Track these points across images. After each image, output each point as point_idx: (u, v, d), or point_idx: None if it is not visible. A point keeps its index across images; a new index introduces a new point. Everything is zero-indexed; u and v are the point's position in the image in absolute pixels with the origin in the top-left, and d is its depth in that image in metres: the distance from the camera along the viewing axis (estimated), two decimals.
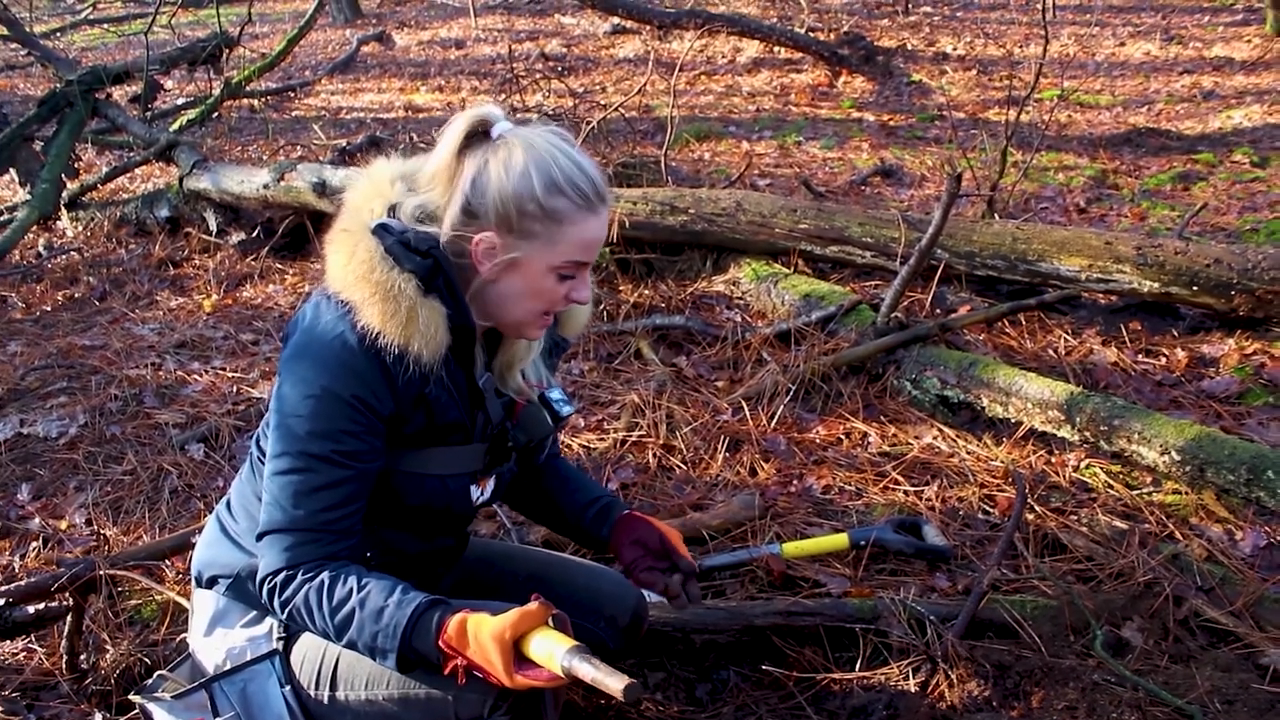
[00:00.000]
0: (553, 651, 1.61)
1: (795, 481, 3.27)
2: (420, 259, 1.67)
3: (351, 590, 1.69)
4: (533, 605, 1.63)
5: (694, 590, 1.99)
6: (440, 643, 1.64)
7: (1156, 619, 2.55)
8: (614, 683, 1.55)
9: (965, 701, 2.39)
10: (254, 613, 1.90)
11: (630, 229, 4.57)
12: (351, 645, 1.70)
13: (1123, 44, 11.22)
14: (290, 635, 1.87)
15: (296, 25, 11.26)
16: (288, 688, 1.85)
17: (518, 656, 1.62)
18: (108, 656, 2.47)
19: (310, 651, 1.84)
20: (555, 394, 1.98)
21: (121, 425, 3.87)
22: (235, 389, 4.15)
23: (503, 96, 8.68)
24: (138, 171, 7.49)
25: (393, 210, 1.73)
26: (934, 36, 11.81)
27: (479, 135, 1.70)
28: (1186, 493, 3.10)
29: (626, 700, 1.54)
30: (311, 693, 1.83)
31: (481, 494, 1.92)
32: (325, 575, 1.70)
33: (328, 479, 1.70)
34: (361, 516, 1.76)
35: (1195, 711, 2.33)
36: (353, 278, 1.68)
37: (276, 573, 1.72)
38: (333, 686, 1.82)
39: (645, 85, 7.30)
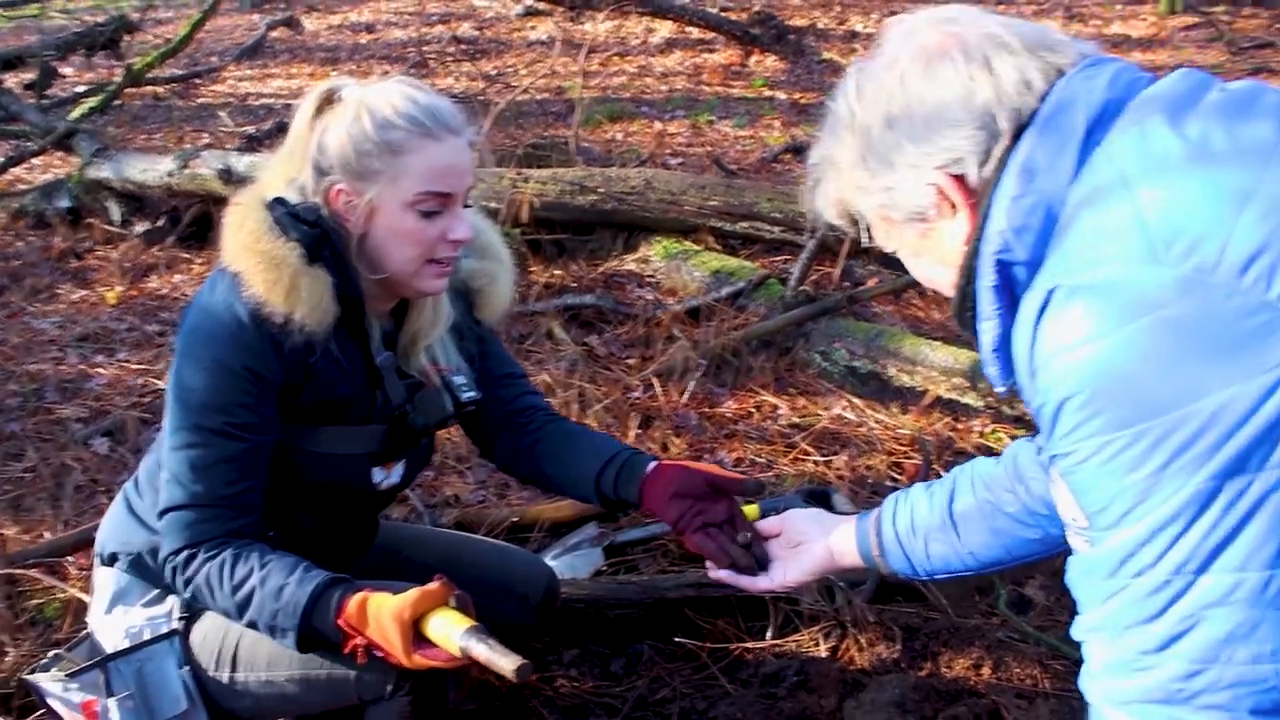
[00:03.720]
0: (449, 632, 1.60)
1: (707, 455, 3.29)
2: (307, 228, 1.67)
3: (253, 569, 1.68)
4: (434, 585, 1.62)
5: (762, 552, 1.88)
6: (340, 622, 1.63)
7: (1058, 577, 2.61)
8: (506, 663, 1.55)
9: (874, 664, 2.43)
10: (155, 591, 1.88)
11: (540, 210, 4.56)
12: (253, 624, 1.69)
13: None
14: (191, 615, 1.85)
15: (201, 9, 11.03)
16: (186, 668, 1.82)
17: (417, 637, 1.61)
18: (8, 659, 2.41)
19: (211, 632, 1.83)
20: (460, 379, 1.93)
21: (21, 422, 3.78)
22: (142, 381, 4.07)
23: None
24: (35, 161, 7.28)
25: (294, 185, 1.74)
26: (844, 15, 11.90)
27: (328, 103, 1.71)
28: None
29: (518, 680, 1.55)
30: (211, 673, 1.82)
31: (387, 476, 1.90)
32: (227, 553, 1.69)
33: (224, 453, 1.69)
34: (262, 492, 1.75)
35: None
36: (240, 248, 1.68)
37: (178, 551, 1.71)
38: (233, 667, 1.80)
39: (555, 67, 7.27)
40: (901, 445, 3.33)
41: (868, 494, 3.06)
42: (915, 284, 4.29)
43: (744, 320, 4.03)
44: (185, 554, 1.70)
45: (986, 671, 2.40)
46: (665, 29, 11.17)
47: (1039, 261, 1.18)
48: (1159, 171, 1.10)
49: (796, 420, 3.52)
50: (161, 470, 1.75)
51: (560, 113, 7.66)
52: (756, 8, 11.19)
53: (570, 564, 2.67)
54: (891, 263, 4.50)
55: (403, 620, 1.59)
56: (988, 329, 1.25)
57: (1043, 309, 1.12)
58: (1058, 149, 1.18)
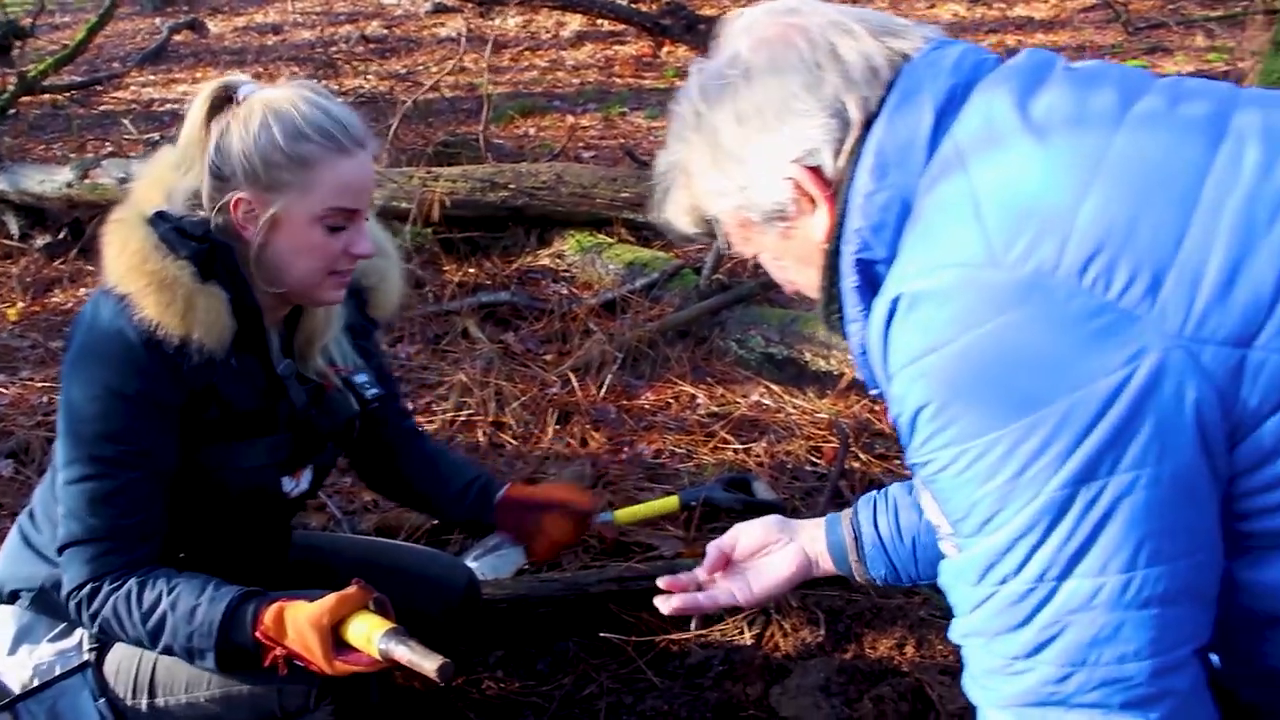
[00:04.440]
0: (370, 635, 1.58)
1: (626, 448, 3.29)
2: (195, 245, 1.61)
3: (161, 594, 1.63)
4: (351, 589, 1.60)
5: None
6: (258, 634, 1.60)
7: None
8: (428, 663, 1.53)
9: (799, 649, 2.44)
10: (62, 625, 1.81)
11: (451, 208, 4.52)
12: (168, 650, 1.65)
13: (933, 5, 11.53)
14: (103, 644, 1.78)
15: (98, 13, 10.77)
16: (102, 700, 1.76)
17: (338, 642, 1.59)
18: None
19: (125, 660, 1.76)
20: (361, 377, 1.92)
21: None
22: (46, 400, 3.95)
23: (321, 83, 8.46)
24: None
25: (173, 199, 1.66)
26: (754, 4, 11.95)
27: (223, 102, 1.65)
28: None
29: (441, 680, 1.52)
30: (129, 702, 1.75)
31: (296, 485, 1.87)
32: (133, 582, 1.64)
33: (122, 482, 1.63)
34: (163, 517, 1.69)
35: None
36: (126, 269, 1.60)
37: (80, 586, 1.65)
38: (151, 694, 1.75)
39: (461, 63, 7.21)
40: (820, 430, 3.34)
41: (787, 479, 3.08)
42: None
43: (659, 311, 4.02)
44: (89, 588, 1.64)
45: (910, 650, 2.42)
46: (576, 22, 11.13)
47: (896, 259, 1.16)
48: (1002, 173, 1.09)
49: (715, 409, 3.53)
50: (57, 505, 1.68)
51: (471, 110, 7.60)
52: None
53: (492, 564, 2.64)
54: None
55: (321, 626, 1.56)
56: (855, 331, 1.23)
57: (889, 318, 1.10)
58: (908, 140, 1.16)
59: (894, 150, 1.16)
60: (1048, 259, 1.01)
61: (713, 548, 1.72)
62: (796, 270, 1.33)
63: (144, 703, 1.75)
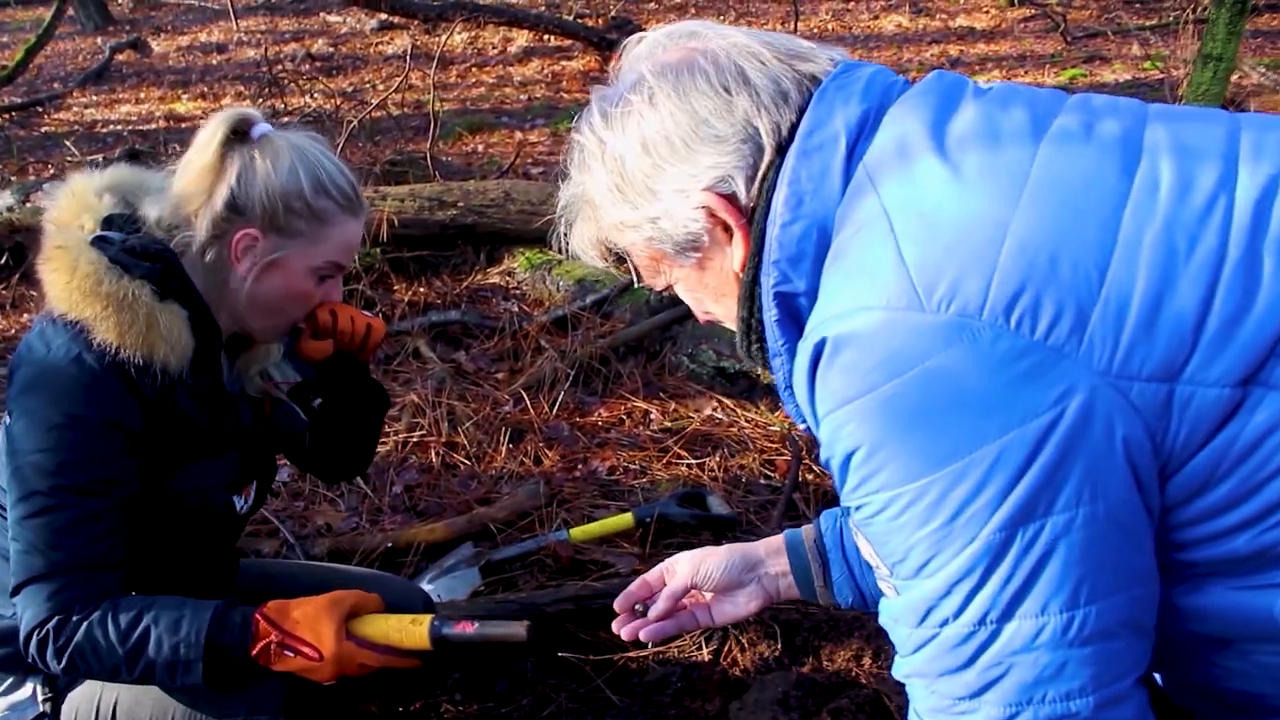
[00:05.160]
0: (406, 626, 1.59)
1: (580, 466, 3.28)
2: (150, 264, 1.60)
3: (139, 612, 1.58)
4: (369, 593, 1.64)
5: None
6: (256, 615, 1.59)
7: None
8: (514, 629, 1.58)
9: (757, 664, 2.44)
10: (11, 678, 1.76)
11: (400, 227, 4.49)
12: (147, 672, 1.59)
13: (876, 18, 11.66)
14: (57, 693, 1.74)
15: (37, 34, 10.64)
16: None
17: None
18: None
19: (83, 705, 1.72)
20: (304, 387, 1.94)
21: None
22: None
23: (263, 101, 8.39)
24: None
25: (109, 224, 1.65)
26: (698, 17, 12.02)
27: (240, 134, 1.65)
28: None
29: (529, 639, 1.56)
30: None
31: (245, 502, 1.85)
32: (106, 608, 1.58)
33: (86, 512, 1.58)
34: (124, 547, 1.64)
35: None
36: (79, 294, 1.57)
37: (44, 622, 1.57)
38: None
39: (407, 80, 7.18)
40: (773, 443, 3.35)
41: (741, 493, 3.08)
42: None
43: (610, 327, 4.02)
44: (55, 620, 1.57)
45: (868, 662, 2.43)
46: (523, 38, 11.15)
47: (818, 291, 1.13)
48: (918, 202, 1.06)
49: (668, 424, 3.53)
50: (11, 544, 1.62)
51: (418, 127, 7.58)
52: (613, 13, 11.24)
53: (447, 586, 2.63)
54: None
55: (340, 606, 1.58)
56: (779, 364, 1.20)
57: (814, 361, 1.08)
58: (822, 169, 1.13)
59: (808, 179, 1.13)
60: (972, 299, 0.99)
61: (674, 587, 1.64)
62: (713, 302, 1.30)
63: None
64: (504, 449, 3.34)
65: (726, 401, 3.63)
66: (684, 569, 1.65)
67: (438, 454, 3.31)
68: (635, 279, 1.35)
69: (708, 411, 3.57)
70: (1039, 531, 0.99)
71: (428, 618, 1.62)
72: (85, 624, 1.58)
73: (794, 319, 1.16)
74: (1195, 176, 1.03)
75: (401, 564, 2.79)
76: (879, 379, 1.01)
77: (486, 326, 4.17)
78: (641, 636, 1.63)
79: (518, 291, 4.50)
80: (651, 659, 2.47)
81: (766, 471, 3.21)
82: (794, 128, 1.16)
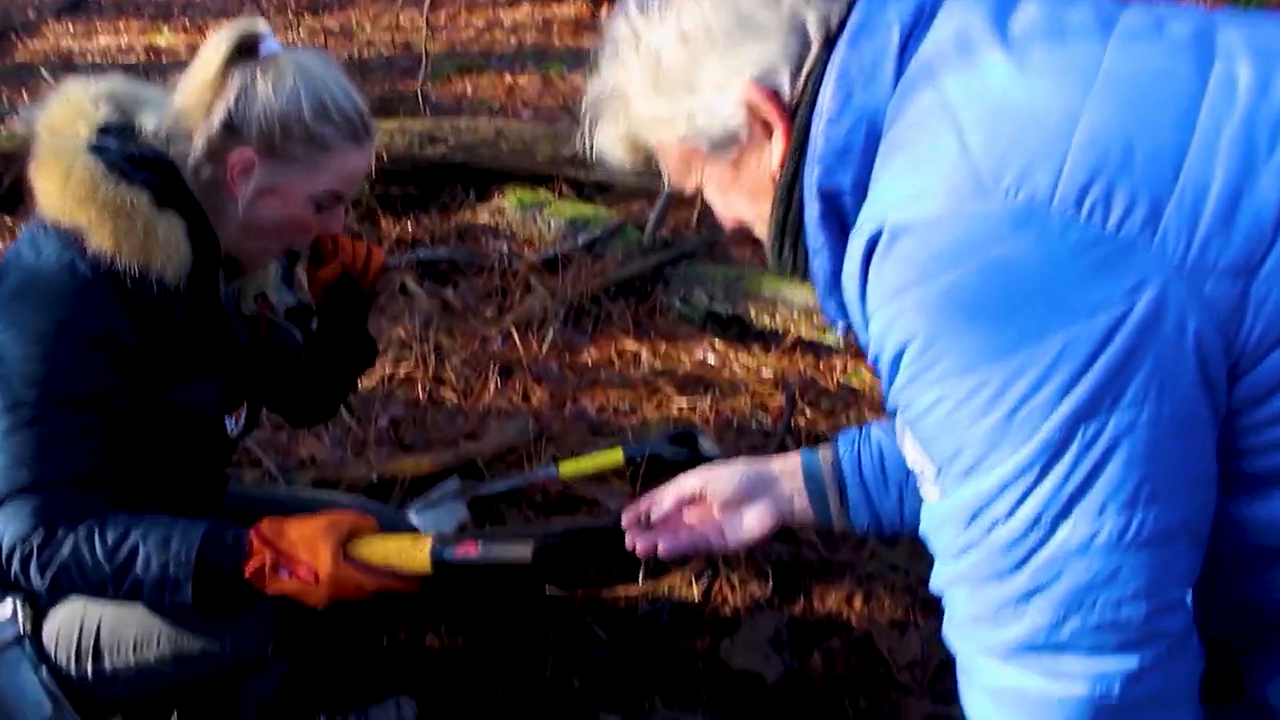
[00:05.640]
0: (409, 548, 1.55)
1: (569, 404, 3.24)
2: (149, 172, 1.53)
3: (127, 529, 1.52)
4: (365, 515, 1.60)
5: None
6: (251, 533, 1.53)
7: None
8: (519, 550, 1.53)
9: (748, 603, 2.42)
10: None
11: (389, 163, 4.41)
12: (134, 591, 1.53)
13: None
14: (38, 612, 1.69)
15: None
16: (43, 670, 1.67)
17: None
18: None
19: (65, 626, 1.67)
20: (300, 308, 1.88)
21: None
22: None
23: None
24: None
25: (104, 131, 1.57)
26: None
27: (246, 50, 1.58)
28: None
29: (534, 563, 1.53)
30: (73, 670, 1.67)
31: (235, 425, 1.79)
32: (91, 523, 1.52)
33: (75, 424, 1.52)
34: (114, 463, 1.58)
35: None
36: (74, 200, 1.51)
37: (28, 538, 1.50)
38: (96, 658, 1.66)
39: (400, 21, 7.07)
40: (765, 386, 3.32)
41: (733, 435, 3.06)
42: None
43: (602, 268, 3.96)
44: (40, 534, 1.50)
45: (859, 604, 2.41)
46: None
47: (865, 186, 1.09)
48: (982, 92, 1.02)
49: (659, 366, 3.49)
50: None
51: (407, 67, 7.44)
52: None
53: (433, 519, 2.58)
54: None
55: (339, 527, 1.54)
56: (819, 264, 1.16)
57: (869, 251, 1.03)
58: (874, 61, 1.08)
59: (858, 71, 1.08)
60: (1041, 188, 0.95)
61: (674, 492, 1.59)
62: (745, 204, 1.25)
63: (89, 668, 1.67)
64: (492, 386, 3.29)
65: (718, 344, 3.59)
66: (693, 479, 1.59)
67: (424, 389, 3.26)
68: (667, 179, 1.28)
69: (699, 354, 3.54)
70: (1101, 428, 0.95)
71: (428, 540, 1.57)
72: (71, 540, 1.51)
73: (837, 216, 1.12)
74: (1275, 75, 0.98)
75: (386, 497, 2.73)
76: (939, 268, 0.97)
77: (475, 264, 4.10)
78: (659, 551, 1.57)
79: (507, 230, 4.43)
80: (641, 596, 2.44)
81: (759, 415, 3.17)
82: (843, 22, 1.11)
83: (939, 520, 1.08)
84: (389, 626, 2.28)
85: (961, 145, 0.99)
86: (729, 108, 1.15)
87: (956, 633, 1.12)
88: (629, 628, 2.35)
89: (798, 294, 3.57)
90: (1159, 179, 0.94)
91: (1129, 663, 1.00)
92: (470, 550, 1.55)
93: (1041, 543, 0.99)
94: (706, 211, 4.34)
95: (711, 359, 3.51)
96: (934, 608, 2.38)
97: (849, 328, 1.17)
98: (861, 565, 2.53)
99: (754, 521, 1.57)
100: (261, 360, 1.80)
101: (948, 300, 0.97)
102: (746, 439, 3.04)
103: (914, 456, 1.09)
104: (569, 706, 2.14)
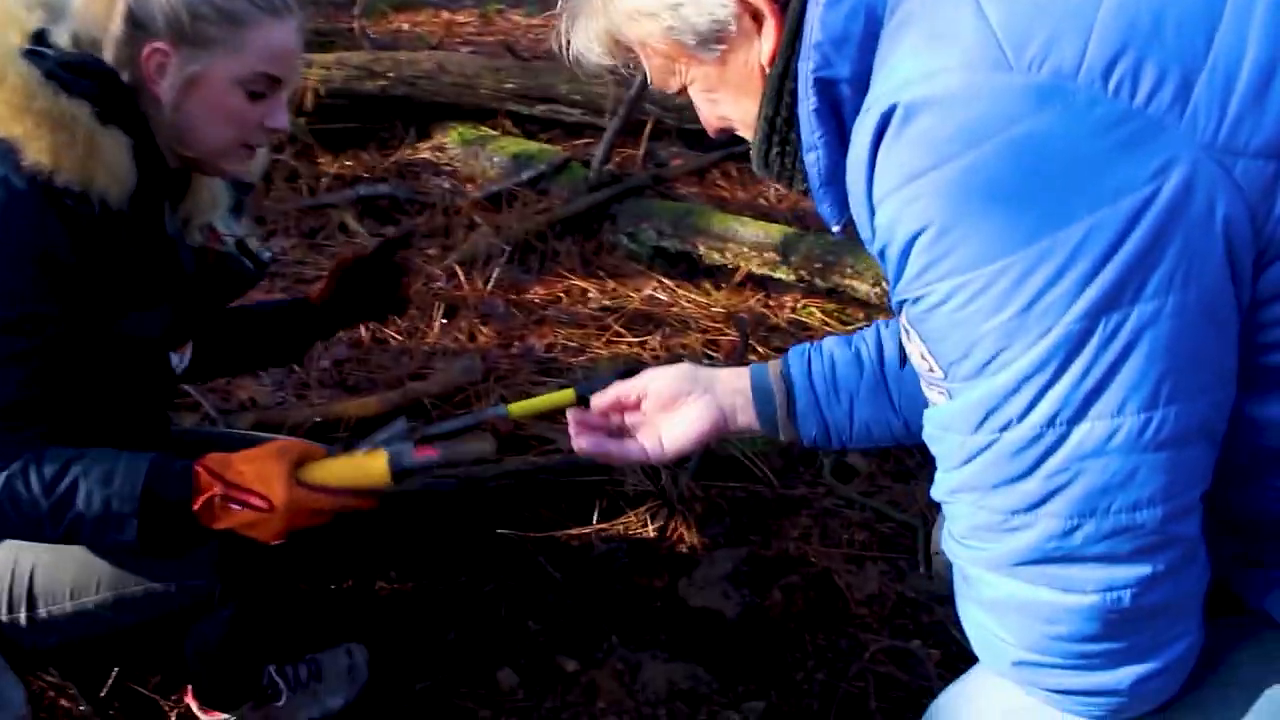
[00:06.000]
0: (363, 463, 1.47)
1: (516, 343, 3.17)
2: (90, 81, 1.42)
3: (66, 463, 1.42)
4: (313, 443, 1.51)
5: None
6: (198, 466, 1.44)
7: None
8: (478, 446, 1.52)
9: (704, 541, 2.38)
10: None
11: (327, 97, 4.29)
12: (74, 529, 1.43)
13: None
14: None
15: None
16: None
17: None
18: None
19: None
20: (252, 240, 1.78)
21: None
22: None
23: None
24: None
25: (39, 38, 1.45)
26: None
27: None
28: None
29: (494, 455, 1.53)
30: (5, 619, 1.58)
31: (181, 360, 1.70)
32: (27, 458, 1.41)
33: (8, 351, 1.41)
34: (51, 396, 1.47)
35: (917, 523, 2.41)
36: (7, 109, 1.39)
37: None
38: (30, 606, 1.57)
39: None
40: (716, 323, 3.29)
41: None
42: (719, 161, 4.28)
43: (547, 205, 3.90)
44: None
45: (815, 540, 2.39)
46: None
47: (865, 76, 1.02)
48: None
49: (607, 303, 3.44)
50: None
51: (340, 3, 7.27)
52: None
53: None
54: (694, 142, 4.46)
55: (287, 453, 1.46)
56: (814, 160, 1.09)
57: (879, 132, 0.96)
58: None
59: None
60: (1067, 60, 0.88)
61: (613, 391, 1.55)
62: (731, 103, 1.18)
63: (23, 616, 1.58)
64: (437, 324, 3.21)
65: (666, 281, 3.55)
66: (635, 380, 1.54)
67: (367, 328, 3.17)
68: (649, 78, 1.22)
69: (647, 291, 3.49)
70: (1123, 320, 0.89)
71: (384, 451, 1.49)
72: (4, 475, 1.40)
73: (833, 109, 1.05)
74: None
75: (331, 439, 2.66)
76: (957, 148, 0.90)
77: (417, 201, 4.01)
78: (583, 444, 1.53)
79: (449, 167, 4.33)
80: (595, 536, 2.40)
81: (709, 351, 3.14)
82: None
83: (944, 424, 1.02)
84: (337, 573, 2.22)
85: (980, 18, 0.92)
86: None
87: (957, 546, 1.06)
88: (584, 568, 2.31)
89: (749, 229, 3.53)
90: (1189, 52, 0.89)
91: (1142, 569, 0.95)
92: (430, 452, 1.49)
93: (1056, 445, 0.93)
94: (654, 147, 4.32)
95: (660, 296, 3.47)
96: (891, 542, 2.39)
97: (846, 225, 1.11)
98: (818, 501, 2.50)
99: (692, 418, 1.49)
100: (209, 292, 1.71)
101: (965, 184, 0.91)
102: None
103: (919, 356, 1.03)
104: (524, 649, 2.09)
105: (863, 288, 3.31)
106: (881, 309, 3.26)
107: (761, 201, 4.08)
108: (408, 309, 2.11)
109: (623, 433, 1.56)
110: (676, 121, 4.43)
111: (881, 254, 1.00)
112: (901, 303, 1.01)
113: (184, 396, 2.73)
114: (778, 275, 3.47)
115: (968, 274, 0.92)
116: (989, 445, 0.97)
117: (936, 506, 2.44)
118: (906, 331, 1.03)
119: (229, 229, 1.74)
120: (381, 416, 2.70)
